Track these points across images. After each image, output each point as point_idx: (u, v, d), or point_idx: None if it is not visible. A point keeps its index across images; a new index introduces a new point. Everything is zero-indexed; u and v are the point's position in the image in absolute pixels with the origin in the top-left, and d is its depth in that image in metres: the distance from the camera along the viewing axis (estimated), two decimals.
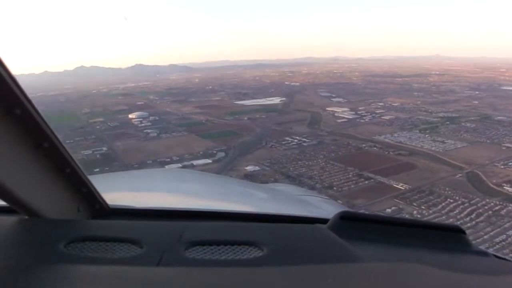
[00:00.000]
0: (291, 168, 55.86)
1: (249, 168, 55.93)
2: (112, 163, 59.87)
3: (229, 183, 4.19)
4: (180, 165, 56.76)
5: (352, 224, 1.46)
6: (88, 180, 1.48)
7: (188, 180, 3.60)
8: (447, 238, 1.47)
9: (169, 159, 62.27)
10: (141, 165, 58.69)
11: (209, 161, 61.08)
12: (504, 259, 1.52)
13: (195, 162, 59.48)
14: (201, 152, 66.90)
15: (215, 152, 66.98)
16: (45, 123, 1.16)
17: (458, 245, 1.46)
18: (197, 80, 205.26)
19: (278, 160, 60.63)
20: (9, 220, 1.34)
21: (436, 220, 34.06)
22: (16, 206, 1.26)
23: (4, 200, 1.20)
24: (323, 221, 1.55)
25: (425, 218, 37.97)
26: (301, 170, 54.74)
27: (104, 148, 69.49)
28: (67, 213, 1.46)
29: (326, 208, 2.95)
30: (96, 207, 1.63)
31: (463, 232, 1.51)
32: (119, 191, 2.67)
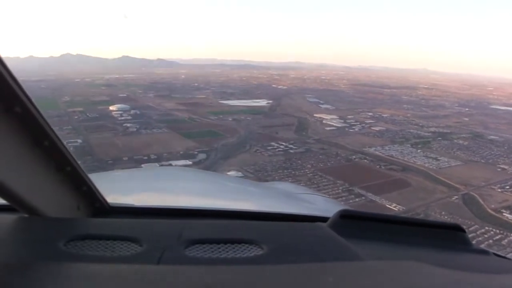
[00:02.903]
0: (276, 177, 51.94)
1: (231, 173, 51.88)
2: (85, 157, 55.40)
3: (229, 181, 4.18)
4: (157, 164, 52.74)
5: (352, 223, 1.48)
6: (88, 179, 1.50)
7: (188, 178, 3.51)
8: (447, 237, 1.49)
9: (146, 157, 58.39)
10: (116, 161, 54.98)
11: (189, 162, 56.95)
12: (504, 257, 1.54)
13: (174, 163, 55.11)
14: (181, 152, 63.34)
15: (196, 153, 63.53)
16: (45, 121, 1.15)
17: (458, 243, 1.48)
18: (183, 76, 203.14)
19: (263, 167, 57.17)
20: (9, 218, 1.35)
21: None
22: (16, 204, 1.27)
23: (4, 198, 1.21)
24: (324, 219, 1.56)
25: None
26: (287, 180, 50.82)
27: (79, 140, 65.14)
28: (67, 212, 1.47)
29: (327, 207, 2.96)
30: (96, 205, 1.64)
31: (463, 230, 1.54)
32: (119, 189, 2.68)
